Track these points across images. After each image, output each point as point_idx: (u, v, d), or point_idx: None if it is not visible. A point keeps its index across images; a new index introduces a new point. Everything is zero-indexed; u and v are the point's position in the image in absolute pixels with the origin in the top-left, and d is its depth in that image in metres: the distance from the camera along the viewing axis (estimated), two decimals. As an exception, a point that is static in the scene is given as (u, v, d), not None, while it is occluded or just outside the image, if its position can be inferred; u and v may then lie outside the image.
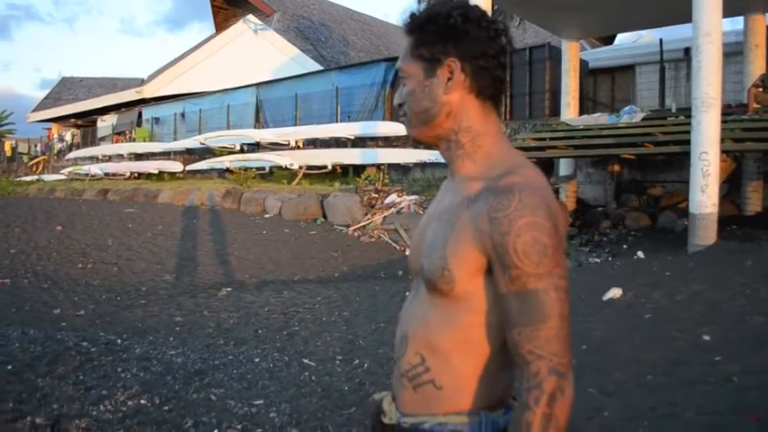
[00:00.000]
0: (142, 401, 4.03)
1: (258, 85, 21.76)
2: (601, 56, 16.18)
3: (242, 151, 19.54)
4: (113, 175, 22.94)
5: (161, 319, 6.89)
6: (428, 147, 1.45)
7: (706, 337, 4.71)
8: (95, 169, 23.76)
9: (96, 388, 4.19)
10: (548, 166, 12.39)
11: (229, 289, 8.34)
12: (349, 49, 29.57)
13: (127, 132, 27.88)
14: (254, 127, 20.72)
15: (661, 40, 14.00)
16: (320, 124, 18.22)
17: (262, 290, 8.23)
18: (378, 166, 15.39)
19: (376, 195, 13.03)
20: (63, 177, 25.21)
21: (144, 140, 25.45)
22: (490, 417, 1.20)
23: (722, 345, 4.52)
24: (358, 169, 15.89)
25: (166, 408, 3.98)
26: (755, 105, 9.65)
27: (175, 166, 21.26)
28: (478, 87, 1.25)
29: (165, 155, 22.92)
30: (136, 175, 22.35)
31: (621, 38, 21.43)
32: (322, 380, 4.63)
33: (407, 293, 1.43)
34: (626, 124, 10.67)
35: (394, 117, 16.36)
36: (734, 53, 11.78)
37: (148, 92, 27.65)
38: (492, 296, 1.16)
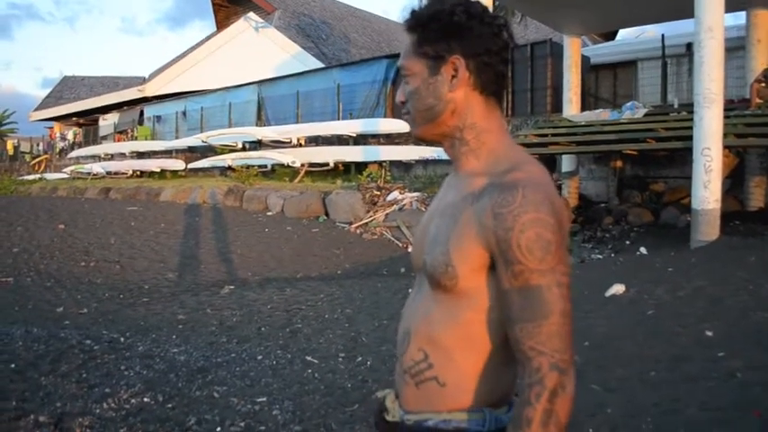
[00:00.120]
0: (145, 399, 4.04)
1: (260, 82, 21.75)
2: (602, 52, 16.15)
3: (244, 149, 19.52)
4: (115, 173, 22.96)
5: (164, 317, 6.90)
6: (431, 144, 1.44)
7: (709, 333, 4.71)
8: (97, 168, 23.78)
9: (99, 386, 4.20)
10: (550, 163, 12.37)
11: (232, 287, 8.35)
12: (350, 47, 29.53)
13: (129, 131, 27.91)
14: (256, 125, 20.71)
15: (663, 35, 13.97)
16: (322, 122, 18.19)
17: (264, 287, 8.23)
18: (380, 164, 15.38)
19: (378, 193, 13.03)
20: (65, 176, 25.24)
21: (146, 139, 25.47)
22: (494, 414, 1.20)
23: (725, 341, 4.52)
24: (360, 166, 15.87)
25: (169, 405, 3.99)
26: (758, 101, 9.62)
27: (177, 165, 21.28)
28: (482, 84, 1.25)
29: (167, 153, 22.95)
30: (138, 173, 22.38)
31: (623, 33, 21.32)
32: (325, 377, 4.64)
33: (410, 290, 1.43)
34: (628, 120, 10.64)
35: (396, 114, 16.34)
36: (736, 48, 11.75)
37: (150, 90, 27.66)
38: (495, 292, 1.16)
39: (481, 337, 1.19)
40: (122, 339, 5.53)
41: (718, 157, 8.31)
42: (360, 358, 5.07)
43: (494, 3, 11.52)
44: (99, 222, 12.78)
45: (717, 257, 7.24)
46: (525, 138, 11.02)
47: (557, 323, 1.09)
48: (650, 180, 12.36)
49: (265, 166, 17.67)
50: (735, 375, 3.84)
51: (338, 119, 18.15)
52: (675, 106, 11.19)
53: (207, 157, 20.35)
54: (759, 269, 6.28)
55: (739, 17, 12.34)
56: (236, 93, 22.36)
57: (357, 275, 9.21)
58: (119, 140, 27.90)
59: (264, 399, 4.16)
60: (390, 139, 16.25)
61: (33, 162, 31.88)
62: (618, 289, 6.20)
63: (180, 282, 8.94)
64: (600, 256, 9.36)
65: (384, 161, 15.33)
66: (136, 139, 26.27)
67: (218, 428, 3.68)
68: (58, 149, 32.72)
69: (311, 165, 16.77)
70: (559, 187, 12.37)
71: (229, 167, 18.58)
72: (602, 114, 11.43)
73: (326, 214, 13.10)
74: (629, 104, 11.29)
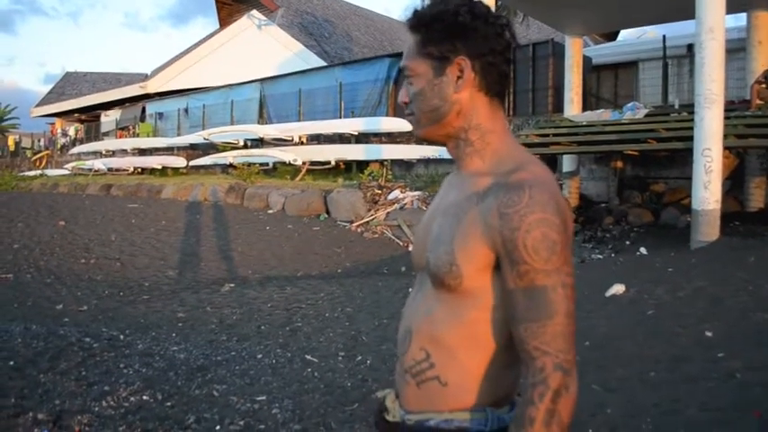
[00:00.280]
0: (144, 397, 4.04)
1: (262, 80, 21.76)
2: (604, 52, 16.14)
3: (245, 147, 19.54)
4: (117, 170, 23.00)
5: (164, 314, 6.91)
6: (434, 144, 1.44)
7: (709, 334, 4.71)
8: (99, 164, 23.81)
9: (99, 384, 4.20)
10: (551, 163, 12.36)
11: (232, 285, 8.36)
12: (352, 45, 29.51)
13: (130, 127, 27.94)
14: (258, 122, 20.71)
15: (664, 36, 13.95)
16: (324, 120, 18.21)
17: (265, 286, 8.24)
18: (381, 162, 15.39)
19: (379, 191, 13.03)
20: (66, 172, 25.27)
21: (147, 136, 25.49)
22: (496, 413, 1.20)
23: (725, 341, 4.52)
24: (361, 165, 15.89)
25: (169, 404, 3.99)
26: (758, 102, 9.62)
27: (179, 162, 21.30)
28: (487, 85, 1.24)
29: (169, 150, 22.97)
30: (139, 170, 22.41)
31: (624, 34, 21.37)
32: (325, 376, 4.64)
33: (410, 289, 1.43)
34: (629, 120, 10.64)
35: (397, 113, 16.33)
36: (737, 50, 11.74)
37: (152, 87, 27.66)
38: (499, 292, 1.16)
39: (484, 336, 1.19)
40: (122, 337, 5.53)
41: (719, 157, 8.31)
42: (360, 357, 5.07)
43: (496, 3, 11.50)
44: (100, 219, 12.79)
45: (717, 258, 7.24)
46: (527, 138, 11.02)
47: (561, 323, 1.09)
48: (651, 180, 12.36)
49: (267, 164, 17.69)
50: (734, 376, 3.85)
51: (340, 117, 18.15)
52: (676, 107, 11.18)
53: (208, 154, 20.38)
54: (759, 270, 6.27)
55: (740, 18, 12.34)
56: (239, 90, 22.37)
57: (358, 274, 9.22)
58: (120, 137, 27.92)
59: (264, 397, 4.16)
60: (392, 137, 16.25)
61: (34, 158, 31.90)
62: (618, 289, 6.20)
63: (180, 279, 8.95)
64: (600, 256, 9.36)
65: (385, 160, 15.34)
66: (137, 135, 26.30)
67: (218, 427, 3.68)
68: (59, 145, 32.75)
69: (313, 163, 16.78)
70: (560, 187, 12.32)
71: (231, 165, 18.60)
72: (604, 115, 11.42)
73: (327, 212, 13.11)
74: (630, 105, 11.28)
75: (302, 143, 17.97)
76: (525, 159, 1.22)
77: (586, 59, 14.21)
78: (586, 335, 4.85)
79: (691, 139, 8.57)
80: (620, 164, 12.56)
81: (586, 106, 13.58)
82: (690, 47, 12.91)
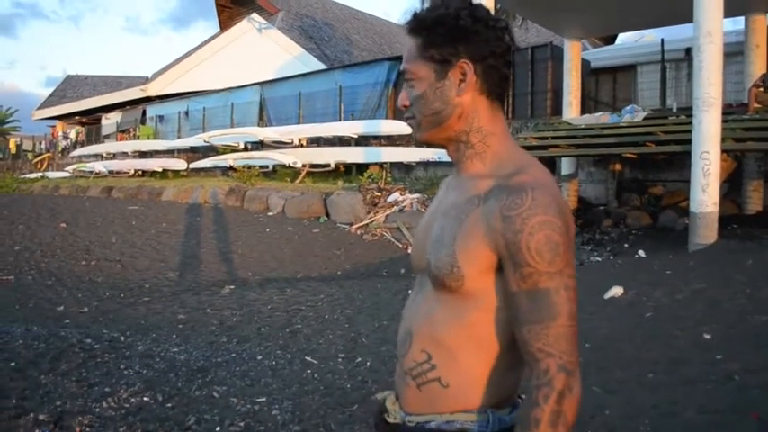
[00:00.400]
0: (145, 398, 4.05)
1: (262, 83, 21.77)
2: (602, 55, 16.17)
3: (245, 149, 19.54)
4: (117, 172, 22.99)
5: (164, 316, 6.92)
6: (434, 147, 1.44)
7: (707, 336, 4.73)
8: (100, 167, 23.81)
9: (99, 385, 4.21)
10: (549, 165, 12.38)
11: (232, 286, 8.37)
12: (352, 48, 29.54)
13: (131, 130, 27.91)
14: (258, 125, 20.71)
15: (662, 39, 13.98)
16: (323, 123, 18.21)
17: (265, 287, 8.25)
18: (381, 165, 15.40)
19: (379, 194, 13.05)
20: (67, 175, 25.26)
21: (148, 138, 25.47)
22: (497, 415, 1.20)
23: (723, 343, 4.53)
24: (361, 168, 15.89)
25: (169, 405, 4.00)
26: (756, 105, 9.65)
27: (179, 164, 21.29)
28: (488, 87, 1.25)
29: (169, 153, 22.96)
30: (140, 172, 22.40)
31: (623, 38, 21.40)
32: (324, 377, 4.65)
33: (410, 291, 1.44)
34: (627, 123, 10.67)
35: (397, 116, 16.36)
36: (735, 53, 11.78)
37: (153, 90, 27.66)
38: (501, 294, 1.16)
39: (486, 337, 1.19)
40: (122, 338, 5.54)
41: (717, 160, 8.33)
42: (359, 359, 5.08)
43: (495, 6, 11.53)
44: (100, 221, 12.81)
45: (715, 260, 7.25)
46: (525, 140, 11.04)
47: (564, 325, 1.09)
48: (649, 183, 12.38)
49: (267, 167, 17.69)
50: (733, 378, 3.86)
51: (340, 120, 18.16)
52: (674, 110, 11.22)
53: (209, 157, 20.37)
54: (757, 272, 6.29)
55: (738, 22, 12.38)
56: (239, 93, 22.38)
57: (357, 276, 9.23)
58: (121, 140, 27.91)
59: (264, 399, 4.17)
60: (391, 140, 16.27)
61: (36, 160, 31.90)
62: (616, 291, 6.21)
63: (180, 281, 8.96)
64: (599, 259, 9.38)
65: (385, 162, 15.35)
66: (138, 138, 26.27)
67: (218, 428, 3.69)
68: (60, 148, 32.75)
69: (312, 165, 16.79)
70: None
71: (231, 168, 18.60)
72: (602, 118, 11.45)
73: (327, 215, 13.12)
74: (628, 108, 11.31)
75: (302, 146, 17.96)
76: (526, 162, 1.22)
77: (585, 63, 14.24)
78: (586, 337, 4.87)
79: (689, 142, 8.59)
80: (618, 167, 12.58)
81: (585, 109, 13.60)
82: (688, 50, 12.96)
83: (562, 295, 1.10)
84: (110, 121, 30.24)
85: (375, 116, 17.50)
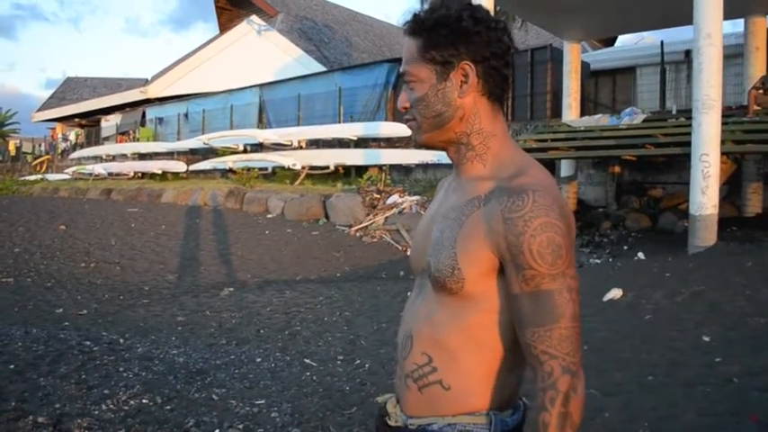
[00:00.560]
0: (144, 401, 4.05)
1: (261, 85, 21.81)
2: (602, 58, 16.19)
3: (245, 151, 19.58)
4: (117, 174, 23.00)
5: (163, 318, 6.92)
6: (433, 149, 1.43)
7: (706, 338, 4.73)
8: (99, 169, 23.82)
9: (98, 387, 4.20)
10: (549, 167, 12.36)
11: (231, 289, 8.37)
12: (352, 50, 29.57)
13: (131, 132, 27.92)
14: (258, 127, 20.73)
15: (662, 42, 14.00)
16: (323, 125, 18.25)
17: (264, 290, 8.25)
18: (380, 167, 15.41)
19: (378, 196, 13.05)
20: (67, 177, 25.26)
21: (148, 140, 25.49)
22: (499, 417, 1.20)
23: (722, 346, 4.54)
24: (360, 170, 15.92)
25: (168, 407, 3.99)
26: (756, 107, 9.66)
27: (179, 166, 21.30)
28: (490, 89, 1.24)
29: (169, 155, 22.98)
30: (139, 174, 22.41)
31: (622, 40, 21.42)
32: (323, 380, 4.65)
33: (409, 293, 1.44)
34: (627, 126, 10.68)
35: (396, 118, 16.37)
36: (734, 55, 11.78)
37: (152, 92, 27.69)
38: (503, 296, 1.16)
39: (487, 339, 1.19)
40: (122, 341, 5.54)
41: (716, 163, 8.33)
42: (358, 361, 5.08)
43: (495, 8, 11.54)
44: (100, 223, 12.80)
45: (714, 263, 7.25)
46: (525, 142, 11.05)
47: (567, 327, 1.09)
48: (648, 185, 12.39)
49: (266, 169, 17.69)
50: (732, 380, 3.87)
51: (339, 122, 18.19)
52: (674, 112, 11.22)
53: (208, 159, 20.38)
54: (756, 275, 6.29)
55: (738, 24, 12.40)
56: (238, 95, 22.41)
57: (356, 278, 9.23)
58: (121, 142, 27.92)
59: (263, 401, 4.17)
60: (391, 142, 16.28)
61: (35, 162, 31.94)
62: (616, 294, 6.22)
63: (180, 283, 8.96)
64: (598, 261, 9.38)
65: (384, 164, 15.36)
66: (138, 140, 26.29)
67: (217, 430, 3.69)
68: (59, 150, 32.78)
69: (312, 167, 16.80)
70: (559, 192, 12.38)
71: (230, 170, 18.62)
72: (602, 120, 11.46)
73: (326, 217, 13.12)
74: (627, 110, 11.32)
75: (301, 148, 17.98)
76: (526, 163, 1.22)
77: (584, 65, 14.26)
78: (584, 339, 4.80)
79: (688, 144, 8.59)
80: (617, 169, 12.59)
81: (584, 111, 13.62)
82: (687, 52, 12.98)
83: (565, 297, 1.10)
84: (109, 123, 30.25)
85: (374, 118, 17.52)
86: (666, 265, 7.43)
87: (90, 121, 32.48)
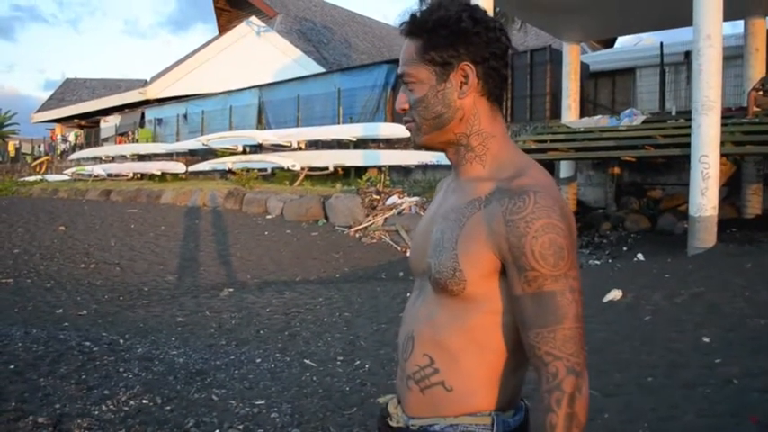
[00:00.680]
0: (144, 401, 4.05)
1: (261, 86, 21.81)
2: (601, 59, 16.21)
3: (244, 152, 19.57)
4: (116, 175, 22.99)
5: (163, 319, 6.92)
6: (432, 150, 1.43)
7: (706, 339, 4.73)
8: (98, 170, 23.81)
9: (98, 387, 4.20)
10: (548, 169, 12.36)
11: (231, 289, 8.36)
12: (351, 52, 29.59)
13: (130, 133, 27.92)
14: (257, 128, 20.72)
15: (662, 43, 14.03)
16: (322, 126, 18.26)
17: (263, 290, 8.25)
18: (379, 168, 15.42)
19: (377, 197, 13.05)
20: (66, 178, 25.25)
21: (147, 141, 25.48)
22: (501, 417, 1.20)
23: (722, 347, 4.54)
24: (359, 171, 15.92)
25: (168, 407, 3.99)
26: (755, 109, 9.67)
27: (178, 167, 21.30)
28: (489, 89, 1.24)
29: (168, 156, 22.97)
30: (139, 175, 22.40)
31: (622, 41, 21.46)
32: (323, 380, 4.65)
33: (409, 294, 1.44)
34: (626, 127, 10.69)
35: (395, 119, 16.39)
36: (734, 57, 11.81)
37: (151, 93, 27.68)
38: (504, 297, 1.16)
39: (489, 341, 1.19)
40: (121, 341, 5.53)
41: (716, 164, 8.34)
42: (358, 362, 5.08)
43: (494, 9, 11.55)
44: (99, 224, 12.80)
45: (714, 264, 7.26)
46: (524, 144, 11.06)
47: (571, 327, 1.09)
48: (648, 187, 12.40)
49: (265, 170, 17.70)
50: (731, 381, 3.87)
51: (338, 123, 18.21)
52: (673, 114, 11.24)
53: (207, 160, 20.37)
54: (756, 276, 6.30)
55: (737, 26, 12.44)
56: (238, 96, 22.41)
57: (356, 279, 9.23)
58: (120, 143, 27.92)
59: (263, 402, 4.17)
60: (390, 143, 16.29)
61: (34, 163, 31.92)
62: (615, 295, 6.22)
63: (179, 284, 8.96)
64: (597, 262, 9.39)
65: (383, 165, 15.36)
66: (137, 141, 26.29)
67: (217, 431, 3.69)
68: (59, 151, 32.77)
69: (311, 168, 16.80)
70: (558, 193, 12.40)
71: (230, 171, 18.62)
72: (601, 121, 11.47)
73: (326, 218, 13.12)
74: (627, 111, 11.34)
75: (301, 149, 17.98)
76: (526, 164, 1.22)
77: (584, 66, 14.27)
78: (585, 340, 4.86)
79: (688, 145, 8.60)
80: (617, 170, 12.60)
81: (584, 113, 13.63)
82: (687, 54, 13.00)
83: (567, 298, 1.10)
84: (108, 125, 30.25)
85: (374, 119, 17.53)
86: (666, 267, 7.44)
87: (89, 122, 32.47)
